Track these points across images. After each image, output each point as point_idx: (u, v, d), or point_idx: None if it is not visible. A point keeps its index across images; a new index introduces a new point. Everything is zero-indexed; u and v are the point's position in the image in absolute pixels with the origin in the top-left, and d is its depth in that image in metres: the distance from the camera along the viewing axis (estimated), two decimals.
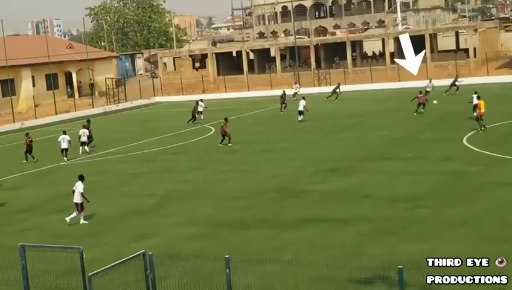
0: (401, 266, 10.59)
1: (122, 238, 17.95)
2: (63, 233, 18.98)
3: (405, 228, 16.62)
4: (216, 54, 74.18)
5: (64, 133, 32.27)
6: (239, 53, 74.87)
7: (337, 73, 64.22)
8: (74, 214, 19.71)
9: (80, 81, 72.45)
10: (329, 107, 46.78)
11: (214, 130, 39.23)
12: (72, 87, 71.17)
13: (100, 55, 78.18)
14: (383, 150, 28.11)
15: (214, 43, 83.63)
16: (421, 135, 31.14)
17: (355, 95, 50.74)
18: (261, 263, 13.74)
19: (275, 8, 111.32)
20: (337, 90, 51.38)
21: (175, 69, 77.81)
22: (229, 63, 75.71)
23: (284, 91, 48.43)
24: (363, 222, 17.43)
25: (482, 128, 29.76)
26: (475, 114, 31.12)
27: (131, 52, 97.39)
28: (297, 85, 57.06)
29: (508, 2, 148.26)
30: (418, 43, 64.17)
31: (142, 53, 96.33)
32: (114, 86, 68.03)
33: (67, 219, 19.68)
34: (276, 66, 71.00)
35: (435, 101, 38.67)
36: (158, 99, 65.91)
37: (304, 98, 40.69)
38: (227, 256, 11.74)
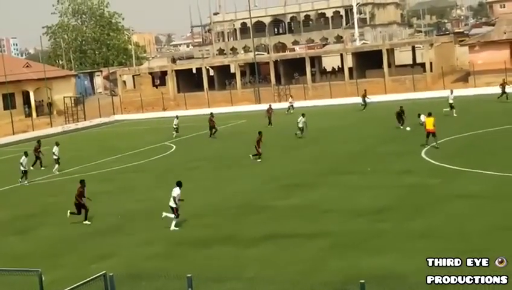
0: (363, 281, 10.65)
1: (83, 259, 17.67)
2: (22, 254, 18.61)
3: (366, 241, 16.75)
4: (176, 71, 74.06)
5: (25, 155, 31.48)
6: (199, 70, 74.92)
7: (296, 88, 64.74)
8: (172, 216, 19.69)
9: (42, 100, 71.47)
10: (290, 122, 46.96)
11: (174, 147, 39.06)
12: (29, 107, 70.14)
13: (58, 74, 77.30)
14: (343, 165, 28.34)
15: (174, 60, 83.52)
16: (380, 149, 31.49)
17: (315, 110, 51.08)
18: (223, 281, 13.68)
19: (234, 25, 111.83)
20: (366, 98, 50.73)
21: (134, 87, 77.40)
22: (189, 80, 75.62)
23: (270, 105, 48.32)
24: (325, 236, 17.51)
25: (433, 144, 29.41)
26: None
27: (90, 71, 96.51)
28: (292, 99, 56.44)
29: (462, 17, 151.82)
30: (375, 58, 65.60)
31: (101, 71, 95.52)
32: (73, 105, 67.34)
33: (164, 214, 19.79)
34: (236, 83, 71.21)
35: (408, 128, 35.88)
36: (118, 117, 65.38)
37: (303, 114, 38.77)
38: (189, 275, 11.64)
